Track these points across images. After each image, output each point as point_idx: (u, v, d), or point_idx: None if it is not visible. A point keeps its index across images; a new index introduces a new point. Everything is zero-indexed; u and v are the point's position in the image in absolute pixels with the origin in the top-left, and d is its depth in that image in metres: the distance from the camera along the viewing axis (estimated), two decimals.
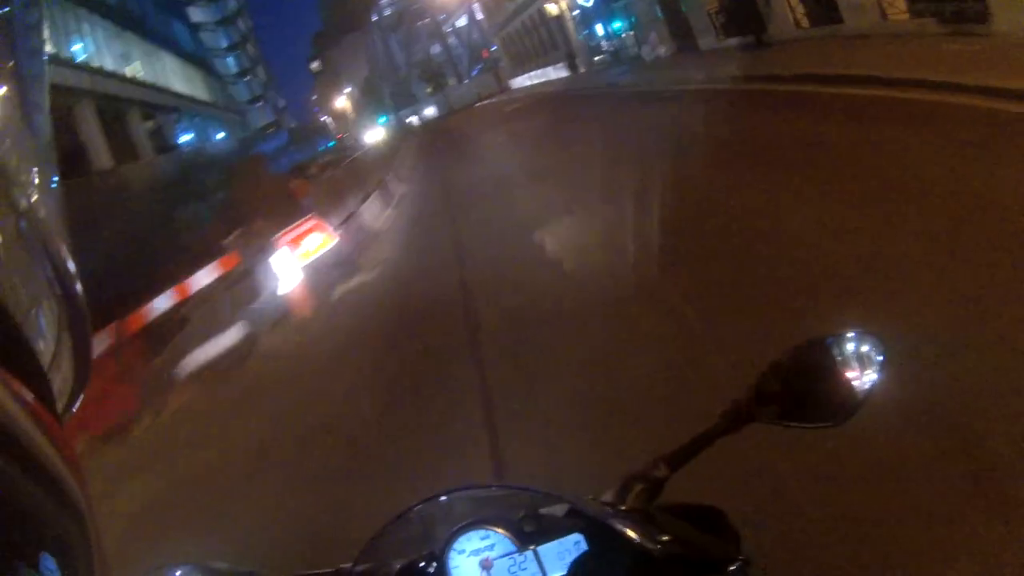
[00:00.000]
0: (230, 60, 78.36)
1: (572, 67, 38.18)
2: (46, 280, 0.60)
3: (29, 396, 0.46)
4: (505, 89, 53.62)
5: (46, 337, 0.60)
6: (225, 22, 77.49)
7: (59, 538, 0.42)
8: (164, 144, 33.38)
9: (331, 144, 69.74)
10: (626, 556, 0.98)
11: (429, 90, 79.53)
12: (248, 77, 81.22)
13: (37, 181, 0.64)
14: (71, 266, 0.63)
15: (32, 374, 0.51)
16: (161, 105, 35.60)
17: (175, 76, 42.39)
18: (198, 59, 52.75)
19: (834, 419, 1.01)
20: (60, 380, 0.60)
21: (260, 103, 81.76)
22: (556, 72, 40.11)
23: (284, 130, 62.64)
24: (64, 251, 0.63)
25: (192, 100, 45.98)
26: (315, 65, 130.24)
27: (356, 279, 10.07)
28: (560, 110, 23.98)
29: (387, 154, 27.09)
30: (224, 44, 76.81)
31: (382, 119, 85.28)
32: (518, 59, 48.70)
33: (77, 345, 0.64)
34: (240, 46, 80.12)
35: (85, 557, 0.45)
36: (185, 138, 41.40)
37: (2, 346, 0.50)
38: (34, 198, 0.63)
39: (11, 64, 0.65)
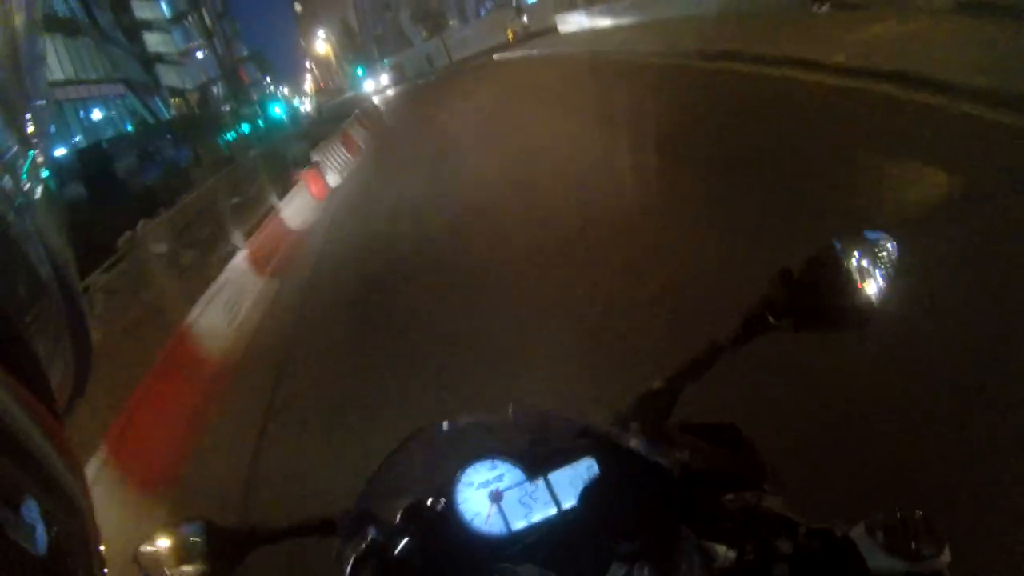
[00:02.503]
0: (162, 3, 58.00)
1: None
2: (46, 279, 0.59)
3: (29, 396, 0.47)
4: (541, 33, 33.21)
5: (46, 337, 0.59)
6: None
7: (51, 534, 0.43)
8: None
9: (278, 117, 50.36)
10: (642, 477, 0.94)
11: (425, 34, 59.21)
12: (187, 21, 60.61)
13: (35, 176, 0.63)
14: (71, 264, 0.62)
15: (32, 374, 0.52)
16: None
17: None
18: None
19: (848, 326, 0.97)
20: (60, 380, 0.60)
21: (201, 52, 60.97)
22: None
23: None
24: (64, 249, 0.61)
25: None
26: (297, 6, 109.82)
27: None
28: None
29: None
30: None
31: (359, 70, 66.67)
32: None
33: (77, 344, 0.63)
34: None
35: (84, 555, 0.46)
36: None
37: (2, 346, 0.50)
38: (33, 195, 0.62)
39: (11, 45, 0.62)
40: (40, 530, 0.40)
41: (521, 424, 1.08)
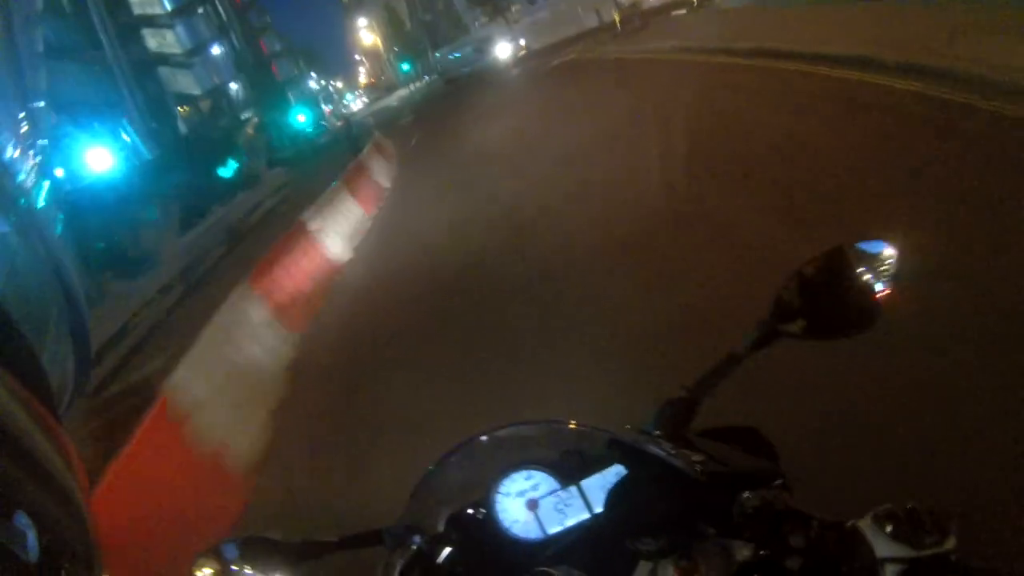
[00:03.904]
0: None
1: None
2: (48, 282, 0.58)
3: (29, 396, 0.51)
4: (670, 6, 20.45)
5: (47, 339, 0.58)
6: None
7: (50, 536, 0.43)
8: None
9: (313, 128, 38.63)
10: (665, 480, 0.97)
11: (484, 19, 47.10)
12: (199, 12, 50.14)
13: (34, 177, 0.59)
14: (72, 267, 0.60)
15: (33, 374, 0.56)
16: None
17: None
18: None
19: (854, 329, 1.04)
20: (61, 380, 0.58)
21: (218, 47, 50.25)
22: None
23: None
24: (66, 253, 0.60)
25: None
26: None
27: None
28: None
29: None
30: None
31: (404, 65, 60.56)
32: None
33: (77, 346, 0.61)
34: None
35: (80, 558, 0.45)
36: None
37: (3, 347, 0.55)
38: (33, 197, 0.59)
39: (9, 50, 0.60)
40: (32, 537, 0.37)
41: (554, 435, 1.13)
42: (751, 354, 1.07)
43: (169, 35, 46.51)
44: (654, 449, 0.99)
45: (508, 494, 1.10)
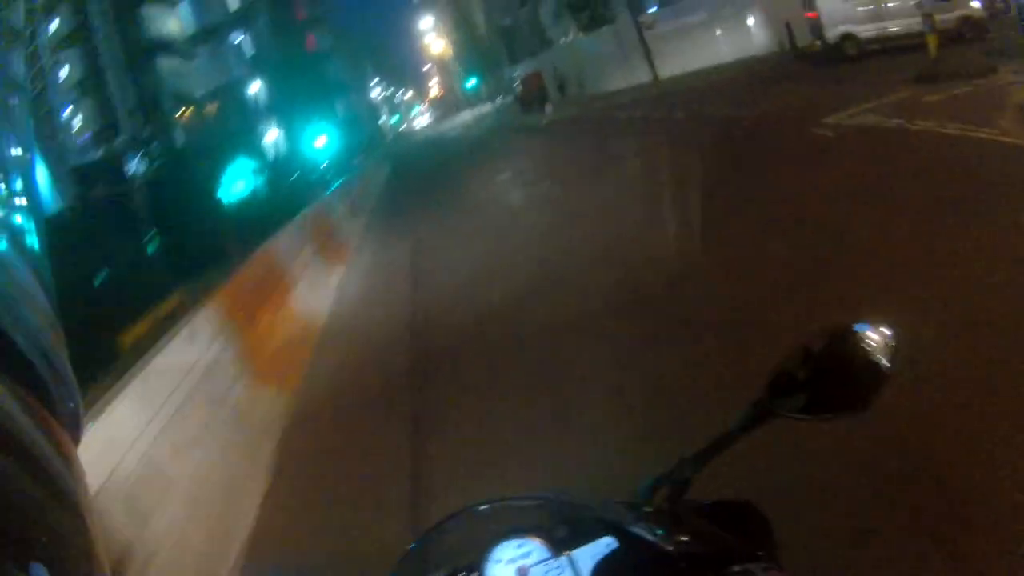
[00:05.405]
0: None
1: None
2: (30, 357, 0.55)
3: (30, 397, 0.49)
4: None
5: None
6: None
7: (52, 544, 0.44)
8: None
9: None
10: (650, 558, 1.00)
11: (579, 32, 35.42)
12: None
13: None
14: (55, 339, 0.57)
15: (33, 381, 0.52)
16: None
17: None
18: None
19: (850, 409, 1.03)
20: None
21: (231, 38, 39.80)
22: None
23: None
24: (48, 327, 0.57)
25: None
26: None
27: None
28: None
29: None
30: None
31: (470, 80, 54.60)
32: None
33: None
34: None
35: (85, 557, 0.47)
36: None
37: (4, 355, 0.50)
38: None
39: None
40: None
41: (547, 505, 1.14)
42: (746, 433, 1.05)
43: (171, 18, 36.43)
44: (637, 526, 1.02)
45: (499, 561, 1.08)
